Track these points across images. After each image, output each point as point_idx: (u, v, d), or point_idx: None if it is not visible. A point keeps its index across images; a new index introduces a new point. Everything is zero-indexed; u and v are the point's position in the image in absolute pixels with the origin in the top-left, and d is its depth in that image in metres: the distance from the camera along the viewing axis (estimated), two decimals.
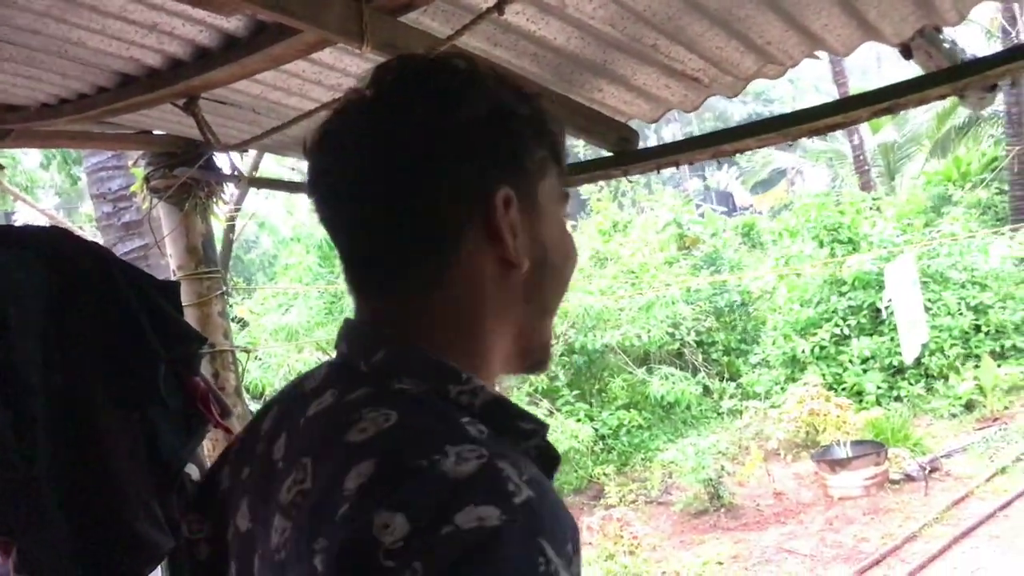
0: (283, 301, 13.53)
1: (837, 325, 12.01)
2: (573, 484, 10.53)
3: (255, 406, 6.54)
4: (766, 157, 26.35)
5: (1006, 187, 15.69)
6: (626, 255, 14.45)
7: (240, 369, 3.44)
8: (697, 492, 9.42)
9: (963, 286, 11.81)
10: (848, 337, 11.93)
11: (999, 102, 15.51)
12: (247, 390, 10.28)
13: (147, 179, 3.20)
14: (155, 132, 3.07)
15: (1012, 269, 12.19)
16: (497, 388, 0.92)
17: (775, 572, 7.59)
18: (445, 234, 0.86)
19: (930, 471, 8.87)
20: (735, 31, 2.18)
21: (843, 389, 11.31)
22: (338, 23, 1.78)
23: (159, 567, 1.96)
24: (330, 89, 2.43)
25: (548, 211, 0.93)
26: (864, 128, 20.59)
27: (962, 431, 10.16)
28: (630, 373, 12.21)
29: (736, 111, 33.59)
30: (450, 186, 0.85)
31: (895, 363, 11.35)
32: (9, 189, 5.49)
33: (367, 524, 0.68)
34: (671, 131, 33.76)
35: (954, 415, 10.61)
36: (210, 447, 2.86)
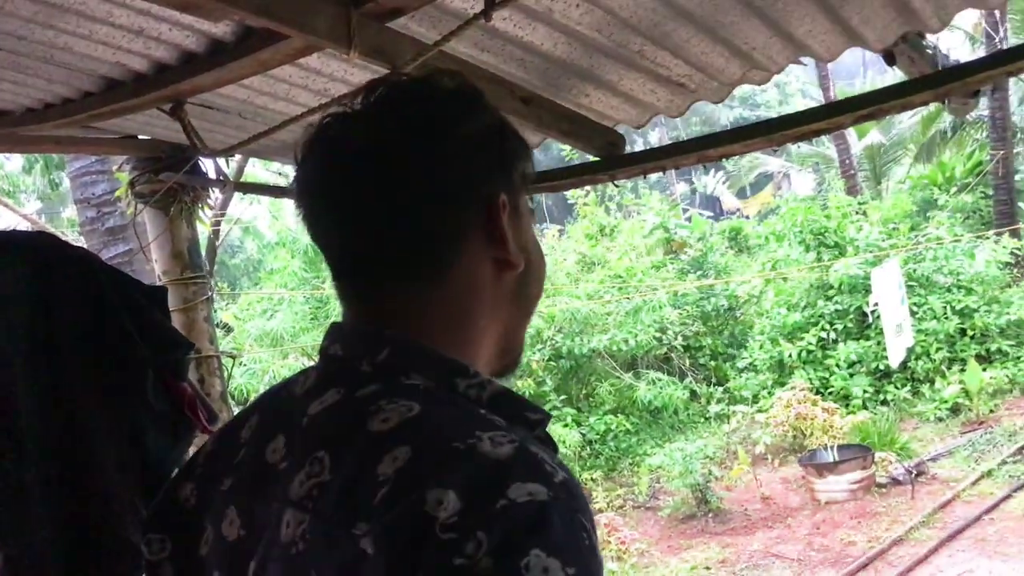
0: (268, 306, 13.50)
1: (824, 329, 12.07)
2: None
3: None
4: (753, 161, 26.44)
5: (991, 191, 15.79)
6: (613, 259, 14.48)
7: (225, 374, 3.43)
8: (685, 497, 9.43)
9: (948, 290, 11.88)
10: (835, 341, 11.99)
11: (983, 107, 15.62)
12: (232, 396, 10.25)
13: (132, 184, 3.18)
14: (140, 137, 3.05)
15: (997, 273, 12.27)
16: None
17: None
18: (448, 236, 0.91)
19: (916, 475, 8.91)
20: (720, 37, 2.19)
21: (830, 393, 11.36)
22: (326, 29, 1.78)
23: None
24: (317, 94, 2.42)
25: (527, 220, 0.99)
26: (850, 132, 20.69)
27: (948, 435, 10.22)
28: (617, 378, 12.23)
29: (723, 115, 33.68)
30: (455, 191, 0.91)
31: (881, 367, 11.41)
32: None
33: (418, 502, 0.72)
34: (657, 135, 33.83)
35: (940, 419, 10.67)
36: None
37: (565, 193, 20.33)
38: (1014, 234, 13.72)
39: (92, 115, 2.45)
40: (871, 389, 11.46)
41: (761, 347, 12.57)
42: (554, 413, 11.45)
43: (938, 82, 2.08)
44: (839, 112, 2.26)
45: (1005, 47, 13.08)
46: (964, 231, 13.53)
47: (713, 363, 13.41)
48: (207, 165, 3.26)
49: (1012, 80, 17.81)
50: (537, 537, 0.70)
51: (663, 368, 12.80)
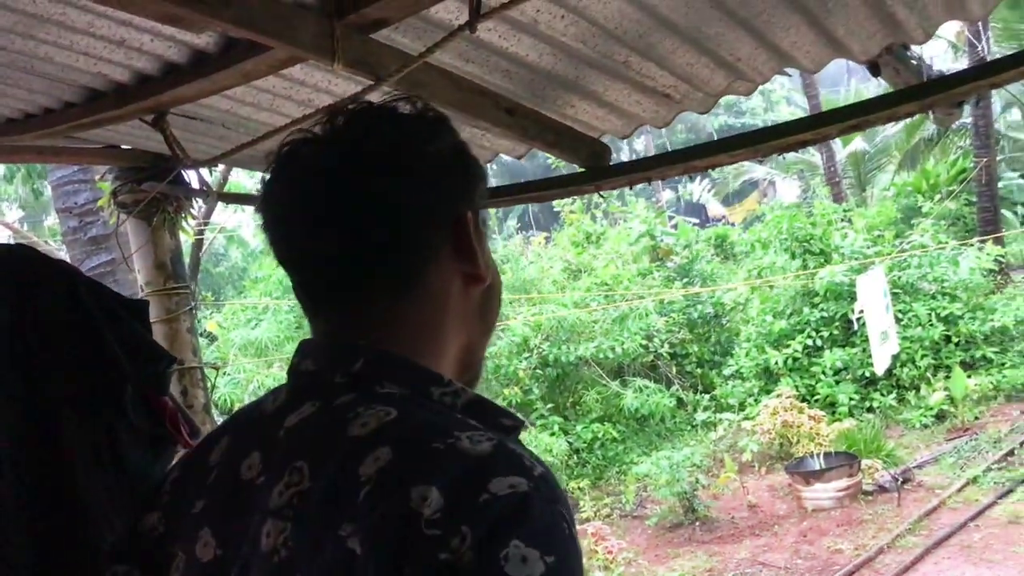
0: (252, 315, 13.43)
1: (809, 336, 12.10)
2: None
3: None
4: (738, 169, 26.57)
5: (974, 198, 15.89)
6: (599, 267, 14.49)
7: (209, 386, 3.41)
8: (672, 505, 9.43)
9: (933, 297, 11.93)
10: (820, 348, 12.02)
11: (966, 114, 15.71)
12: (216, 406, 10.19)
13: (114, 193, 3.16)
14: (123, 147, 3.03)
15: (981, 280, 12.33)
16: None
17: None
18: (420, 250, 0.94)
19: (902, 482, 8.93)
20: (705, 48, 2.19)
21: (816, 400, 11.38)
22: (310, 40, 1.77)
23: None
24: (301, 104, 2.41)
25: (485, 238, 1.02)
26: (835, 140, 20.80)
27: (933, 442, 10.25)
28: (604, 386, 12.22)
29: (708, 123, 33.83)
30: (426, 207, 0.93)
31: (867, 374, 11.44)
32: None
33: (403, 499, 0.74)
34: (643, 143, 33.94)
35: (925, 426, 10.71)
36: None
37: (551, 201, 20.36)
38: (997, 241, 13.82)
39: (74, 125, 2.43)
40: (857, 396, 11.48)
41: (747, 354, 12.59)
42: (541, 422, 11.43)
43: (923, 93, 2.09)
44: (825, 123, 2.26)
45: (987, 56, 13.20)
46: (948, 238, 13.60)
47: (699, 371, 13.42)
48: (190, 175, 3.24)
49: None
50: (517, 528, 0.73)
51: (650, 376, 12.79)
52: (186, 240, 3.74)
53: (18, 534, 1.71)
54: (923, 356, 11.39)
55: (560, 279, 14.44)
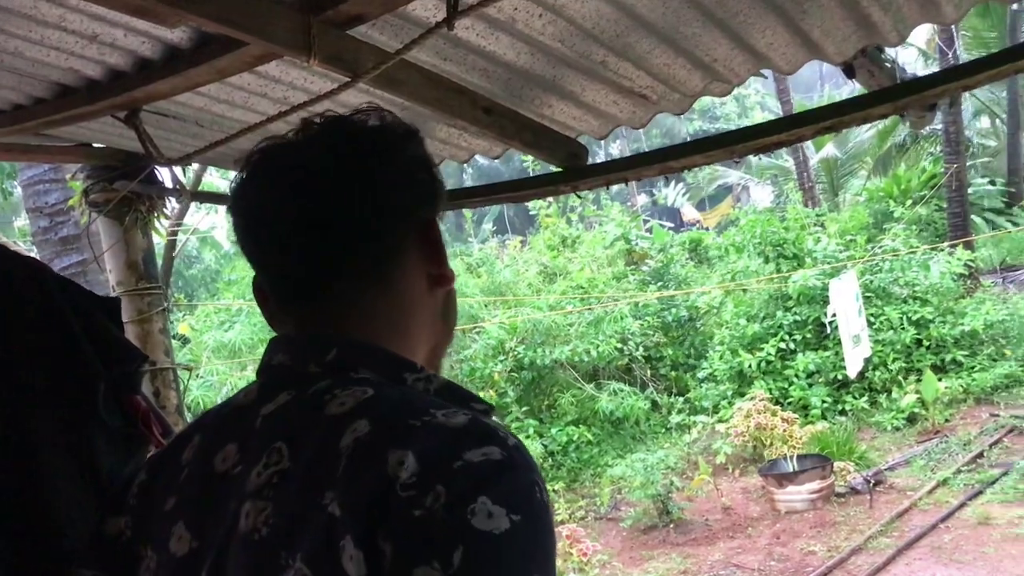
0: (225, 318, 13.32)
1: (783, 340, 12.17)
2: None
3: None
4: (712, 173, 26.74)
5: (945, 204, 16.06)
6: (575, 270, 14.52)
7: (181, 387, 3.37)
8: (646, 508, 9.45)
9: (905, 301, 12.05)
10: (793, 352, 12.10)
11: (937, 121, 15.89)
12: (188, 408, 10.09)
13: (86, 192, 3.12)
14: (95, 145, 3.00)
15: (951, 284, 12.46)
16: None
17: None
18: (389, 249, 0.99)
19: (874, 484, 9.01)
20: (682, 49, 2.19)
21: (789, 403, 11.45)
22: (285, 36, 1.75)
23: None
24: (276, 102, 2.39)
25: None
26: (808, 145, 21.00)
27: (905, 444, 10.35)
28: (579, 389, 12.23)
29: (683, 128, 34.01)
30: (396, 209, 0.99)
31: (839, 377, 11.53)
32: None
33: (380, 463, 0.79)
34: (619, 147, 34.06)
35: (897, 428, 10.80)
36: None
37: (527, 204, 20.38)
38: (967, 246, 13.97)
39: (44, 122, 2.40)
40: (830, 399, 11.56)
41: (721, 357, 12.64)
42: (516, 425, 11.42)
43: (897, 95, 2.11)
44: (800, 124, 2.27)
45: (958, 63, 13.35)
46: (919, 243, 13.72)
47: (674, 373, 13.47)
48: (164, 174, 3.21)
49: (965, 94, 18.17)
50: (487, 487, 0.77)
51: (624, 379, 12.82)
52: (160, 241, 3.70)
53: None
54: (895, 359, 11.49)
55: (536, 282, 14.46)
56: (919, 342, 11.68)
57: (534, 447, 10.76)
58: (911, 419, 10.84)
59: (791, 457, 9.48)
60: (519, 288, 14.00)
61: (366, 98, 2.42)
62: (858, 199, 20.46)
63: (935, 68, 15.60)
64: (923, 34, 19.41)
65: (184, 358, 11.20)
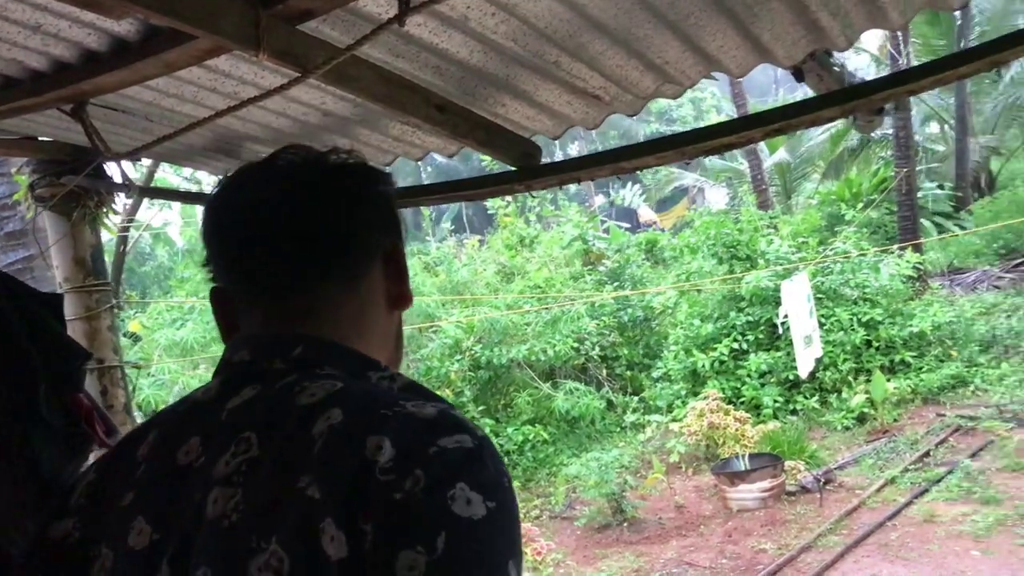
0: (178, 315, 13.14)
1: (736, 340, 12.30)
2: None
3: None
4: (669, 175, 26.94)
5: (895, 207, 16.33)
6: (532, 270, 14.55)
7: (130, 386, 3.32)
8: (601, 506, 9.49)
9: (855, 302, 12.23)
10: (746, 352, 12.23)
11: (888, 125, 16.16)
12: (139, 408, 9.94)
13: (32, 187, 3.06)
14: (41, 138, 2.94)
15: (900, 286, 12.68)
16: None
17: None
18: (360, 262, 1.06)
19: (824, 483, 9.13)
20: (634, 50, 2.21)
21: (741, 403, 11.58)
22: (234, 30, 1.73)
23: None
24: (226, 97, 2.36)
25: None
26: (762, 148, 21.26)
27: (854, 443, 10.50)
28: (536, 388, 12.26)
29: (639, 131, 34.23)
30: (370, 228, 1.08)
31: (791, 377, 11.67)
32: None
33: (358, 447, 0.82)
34: (576, 149, 34.18)
35: (847, 428, 10.96)
36: None
37: (485, 204, 20.38)
38: (916, 249, 14.22)
39: None
40: (781, 399, 11.71)
41: (675, 357, 12.75)
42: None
43: (845, 98, 2.14)
44: (751, 126, 2.30)
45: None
46: (870, 245, 13.94)
47: (629, 373, 13.55)
48: (113, 169, 3.15)
49: (915, 100, 18.51)
50: (464, 474, 0.82)
51: (581, 378, 12.87)
52: (110, 237, 3.65)
53: None
54: (845, 360, 11.67)
55: (493, 281, 14.46)
56: (869, 343, 11.87)
57: None
58: (860, 419, 11.01)
59: (743, 456, 9.58)
60: (477, 287, 14.00)
61: (317, 94, 2.41)
62: (810, 202, 20.73)
63: (886, 73, 15.85)
64: (875, 41, 19.78)
65: (135, 356, 11.02)
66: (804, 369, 10.53)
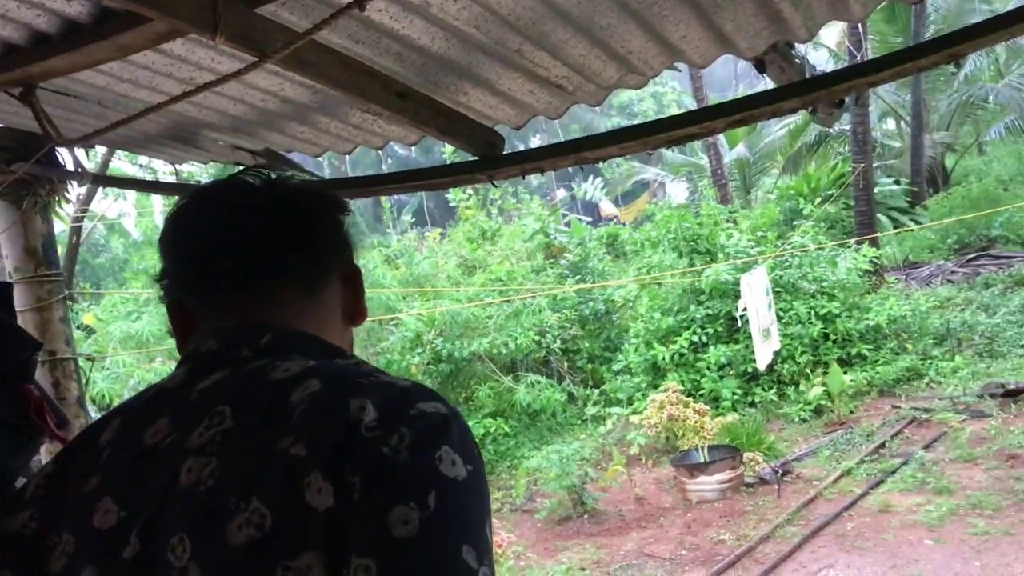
0: (133, 308, 12.93)
1: (695, 333, 12.38)
2: None
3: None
4: (630, 169, 27.07)
5: (852, 202, 16.53)
6: (494, 263, 14.53)
7: (84, 379, 3.25)
8: (561, 499, 9.51)
9: (813, 296, 12.36)
10: (706, 345, 12.32)
11: (846, 121, 16.36)
12: (92, 401, 9.77)
13: None
14: None
15: (857, 280, 12.84)
16: None
17: None
18: (325, 270, 1.12)
19: (782, 474, 9.23)
20: (597, 39, 2.20)
21: (701, 395, 11.66)
22: (190, 12, 1.69)
23: None
24: (181, 82, 2.31)
25: None
26: (722, 143, 21.44)
27: (811, 435, 10.62)
28: (497, 381, 12.25)
29: (602, 124, 34.32)
30: (335, 242, 1.14)
31: (750, 370, 11.78)
32: None
33: (342, 408, 0.87)
34: (540, 141, 34.20)
35: (804, 420, 11.08)
36: (48, 459, 2.68)
37: (447, 196, 20.31)
38: (873, 243, 14.43)
39: None
40: (740, 391, 11.81)
41: (636, 350, 12.80)
42: None
43: (806, 90, 2.15)
44: (712, 117, 2.30)
45: None
46: (827, 240, 14.11)
47: (590, 366, 13.59)
48: (66, 156, 3.08)
49: (872, 96, 18.75)
50: (445, 437, 0.88)
51: (542, 371, 12.89)
52: (63, 227, 3.56)
53: None
54: (803, 353, 11.80)
55: (455, 274, 14.43)
56: (826, 336, 12.02)
57: None
58: (818, 411, 11.14)
59: (702, 448, 9.65)
60: (438, 280, 13.95)
61: (276, 80, 2.37)
62: (769, 196, 20.94)
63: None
64: (834, 36, 19.99)
65: (89, 349, 10.83)
66: (763, 362, 10.63)
